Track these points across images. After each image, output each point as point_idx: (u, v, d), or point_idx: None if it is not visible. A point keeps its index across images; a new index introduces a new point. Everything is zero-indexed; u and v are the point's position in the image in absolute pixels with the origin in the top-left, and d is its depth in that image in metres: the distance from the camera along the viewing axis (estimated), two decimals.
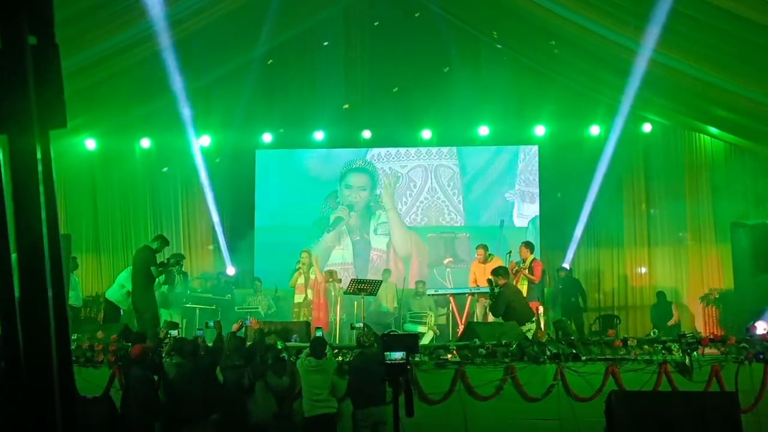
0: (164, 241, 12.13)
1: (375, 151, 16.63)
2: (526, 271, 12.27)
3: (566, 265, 15.22)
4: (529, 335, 10.41)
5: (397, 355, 6.69)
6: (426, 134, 16.27)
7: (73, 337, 10.34)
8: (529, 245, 12.75)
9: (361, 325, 9.87)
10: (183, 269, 13.33)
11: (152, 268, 11.55)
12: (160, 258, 11.65)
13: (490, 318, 12.26)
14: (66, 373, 1.44)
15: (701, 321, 14.21)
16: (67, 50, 11.41)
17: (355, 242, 16.41)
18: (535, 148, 16.27)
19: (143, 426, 8.50)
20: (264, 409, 8.84)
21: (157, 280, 11.70)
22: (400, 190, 16.50)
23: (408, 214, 16.41)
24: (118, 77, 13.43)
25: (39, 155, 1.41)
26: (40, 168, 1.43)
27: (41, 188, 1.42)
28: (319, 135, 16.54)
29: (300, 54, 16.44)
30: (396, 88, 15.67)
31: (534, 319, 11.11)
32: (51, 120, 1.45)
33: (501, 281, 10.93)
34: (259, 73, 16.08)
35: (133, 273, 11.82)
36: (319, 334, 9.63)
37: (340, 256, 16.31)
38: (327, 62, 16.23)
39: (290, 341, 9.89)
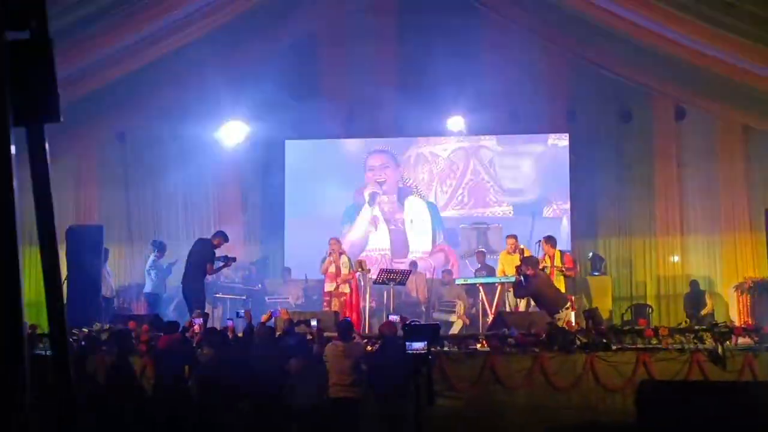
0: (225, 238, 12.13)
1: (411, 138, 16.55)
2: (563, 268, 12.25)
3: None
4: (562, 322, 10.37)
5: (419, 345, 6.67)
6: (457, 122, 16.00)
7: (106, 327, 10.51)
8: (549, 240, 12.61)
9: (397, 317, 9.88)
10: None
11: (208, 265, 11.60)
12: None
13: (521, 308, 12.23)
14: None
15: (735, 310, 13.99)
16: (99, 43, 11.56)
17: (392, 230, 16.29)
18: (566, 135, 16.06)
19: (174, 414, 8.59)
20: (305, 394, 8.88)
21: None
22: (443, 174, 16.40)
23: (454, 196, 16.30)
24: (150, 68, 13.48)
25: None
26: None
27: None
28: (349, 124, 16.51)
29: (329, 45, 16.43)
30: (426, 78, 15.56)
31: (568, 305, 11.03)
32: (45, 114, 1.46)
33: (529, 271, 10.86)
34: (288, 64, 16.10)
35: (188, 264, 11.86)
36: None
37: (375, 242, 16.23)
38: (356, 53, 16.19)
39: (311, 327, 9.88)
